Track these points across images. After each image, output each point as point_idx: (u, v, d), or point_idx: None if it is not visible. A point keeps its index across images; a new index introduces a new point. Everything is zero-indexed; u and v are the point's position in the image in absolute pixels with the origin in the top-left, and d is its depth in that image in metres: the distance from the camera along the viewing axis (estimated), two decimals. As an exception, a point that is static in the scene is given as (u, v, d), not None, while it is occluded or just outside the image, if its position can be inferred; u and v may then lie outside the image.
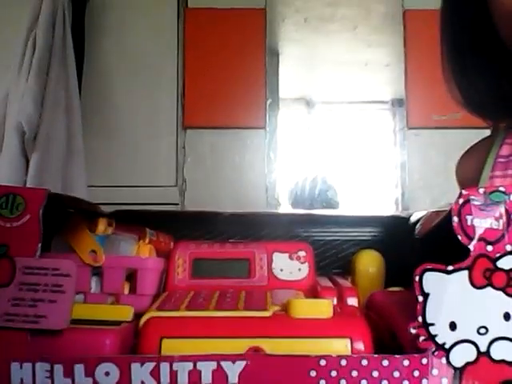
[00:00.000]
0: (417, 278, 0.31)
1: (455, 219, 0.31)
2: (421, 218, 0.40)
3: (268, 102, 1.83)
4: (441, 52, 0.66)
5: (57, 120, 1.60)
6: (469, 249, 0.31)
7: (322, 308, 0.34)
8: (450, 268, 0.31)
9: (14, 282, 0.34)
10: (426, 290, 0.31)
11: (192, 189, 1.80)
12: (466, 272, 0.31)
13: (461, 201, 0.31)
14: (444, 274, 0.31)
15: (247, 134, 1.83)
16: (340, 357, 0.31)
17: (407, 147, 1.85)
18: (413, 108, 1.82)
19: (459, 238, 0.31)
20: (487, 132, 1.74)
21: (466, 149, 0.74)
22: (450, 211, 0.31)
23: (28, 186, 1.48)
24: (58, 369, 0.33)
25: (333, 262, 0.45)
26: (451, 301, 0.31)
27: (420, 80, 1.78)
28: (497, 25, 0.56)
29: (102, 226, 0.39)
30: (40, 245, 0.34)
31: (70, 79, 1.65)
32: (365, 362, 0.31)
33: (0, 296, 0.33)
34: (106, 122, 1.79)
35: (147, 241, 0.41)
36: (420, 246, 0.40)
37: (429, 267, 0.31)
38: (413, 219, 0.41)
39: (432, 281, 0.31)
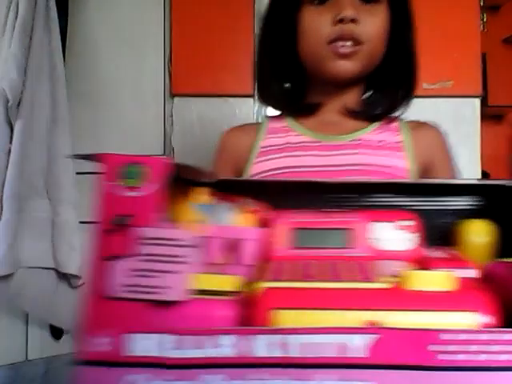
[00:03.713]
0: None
1: None
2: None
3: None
4: (257, 65, 0.88)
5: (41, 86, 1.54)
6: None
7: (442, 280, 0.33)
8: None
9: (136, 252, 0.32)
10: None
11: (180, 158, 1.77)
12: None
13: None
14: None
15: (235, 102, 1.80)
16: (459, 331, 0.31)
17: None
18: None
19: None
20: (476, 101, 1.76)
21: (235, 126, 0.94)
22: None
23: (12, 154, 1.43)
24: (181, 340, 0.32)
25: (432, 233, 0.44)
26: None
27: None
28: (301, 45, 0.80)
29: (203, 195, 0.38)
30: (163, 215, 0.33)
31: (54, 44, 1.58)
32: (485, 336, 0.31)
33: (121, 266, 0.32)
34: (91, 89, 1.73)
35: (246, 210, 0.40)
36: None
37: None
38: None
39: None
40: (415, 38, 0.84)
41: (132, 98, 1.74)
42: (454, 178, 0.83)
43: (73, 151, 1.60)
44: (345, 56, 0.76)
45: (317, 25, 0.77)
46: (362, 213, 0.43)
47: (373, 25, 0.77)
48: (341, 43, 0.76)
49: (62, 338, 1.61)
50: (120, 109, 1.73)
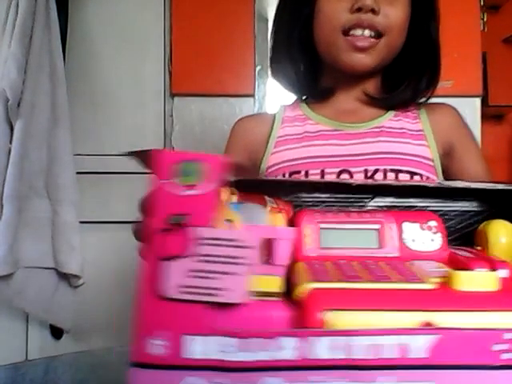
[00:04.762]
0: None
1: None
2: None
3: (257, 69, 1.81)
4: (271, 43, 0.86)
5: (41, 86, 1.53)
6: None
7: (488, 280, 0.33)
8: None
9: (193, 252, 0.32)
10: None
11: (180, 158, 1.77)
12: None
13: None
14: None
15: (236, 101, 1.80)
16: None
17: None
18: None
19: None
20: (477, 101, 1.76)
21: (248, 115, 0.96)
22: None
23: (12, 154, 1.42)
24: (241, 342, 0.32)
25: (450, 234, 0.43)
26: None
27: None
28: (316, 32, 0.78)
29: (224, 194, 0.38)
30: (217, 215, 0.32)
31: (54, 44, 1.57)
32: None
33: (178, 267, 0.31)
34: (91, 89, 1.72)
35: (269, 209, 0.39)
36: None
37: None
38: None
39: None
40: (438, 26, 0.81)
41: (132, 98, 1.74)
42: (477, 153, 0.81)
43: (73, 151, 1.59)
44: (362, 49, 0.74)
45: (333, 11, 0.75)
46: (390, 213, 0.42)
47: (393, 16, 0.74)
48: (358, 32, 0.73)
49: (62, 338, 1.60)
50: (120, 109, 1.72)
